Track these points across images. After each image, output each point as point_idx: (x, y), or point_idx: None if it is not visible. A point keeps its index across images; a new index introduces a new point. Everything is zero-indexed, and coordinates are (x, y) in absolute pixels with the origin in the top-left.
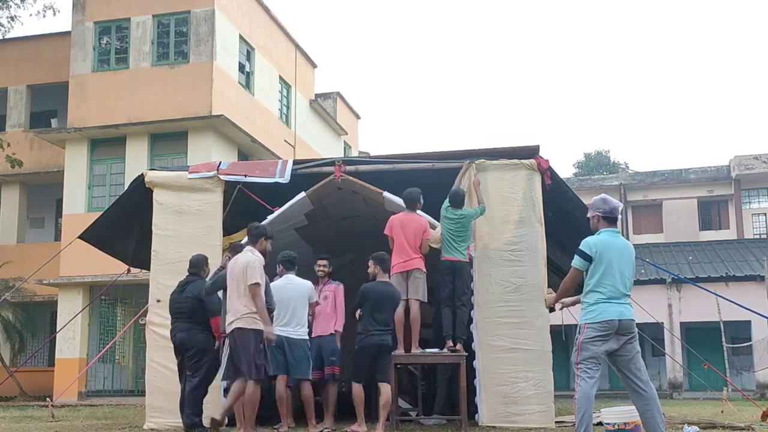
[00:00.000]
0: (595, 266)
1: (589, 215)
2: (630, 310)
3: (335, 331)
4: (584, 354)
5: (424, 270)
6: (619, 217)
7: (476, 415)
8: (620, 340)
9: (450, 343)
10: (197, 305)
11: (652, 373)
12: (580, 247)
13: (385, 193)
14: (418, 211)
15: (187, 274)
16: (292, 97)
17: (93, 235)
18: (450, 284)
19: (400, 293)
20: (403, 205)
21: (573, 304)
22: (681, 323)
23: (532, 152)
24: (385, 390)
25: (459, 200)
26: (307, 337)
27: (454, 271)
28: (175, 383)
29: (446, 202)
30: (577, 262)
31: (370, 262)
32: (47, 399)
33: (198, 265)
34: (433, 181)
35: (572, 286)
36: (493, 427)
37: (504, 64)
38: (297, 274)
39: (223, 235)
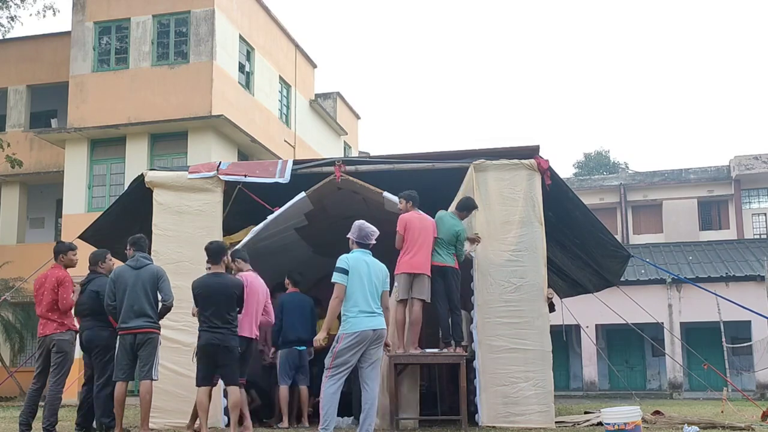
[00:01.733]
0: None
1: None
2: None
3: None
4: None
5: (429, 274)
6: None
7: (476, 416)
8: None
9: (450, 349)
10: (98, 302)
11: (652, 373)
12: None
13: (385, 193)
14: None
15: (89, 271)
16: (292, 97)
17: (93, 235)
18: (441, 283)
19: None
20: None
21: None
22: (681, 323)
23: (532, 152)
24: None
25: (467, 206)
26: None
27: (443, 274)
28: (175, 383)
29: (445, 212)
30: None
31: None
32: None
33: (95, 261)
34: (433, 181)
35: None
36: (493, 427)
37: (504, 64)
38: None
39: (223, 235)
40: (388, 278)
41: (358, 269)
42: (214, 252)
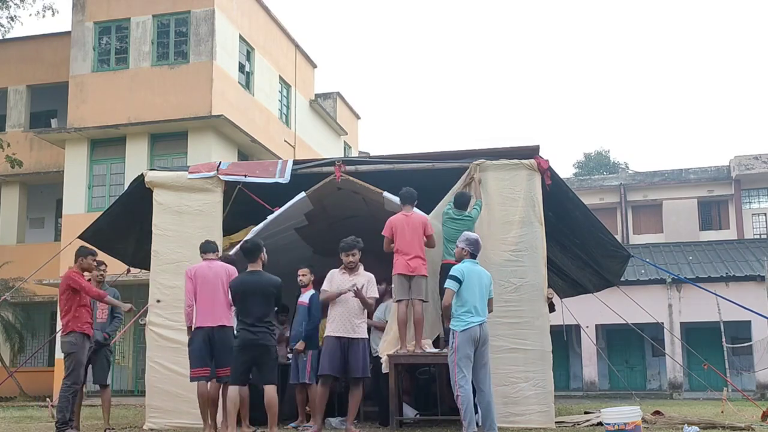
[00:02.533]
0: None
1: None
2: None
3: None
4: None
5: (427, 275)
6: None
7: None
8: None
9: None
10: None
11: (652, 373)
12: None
13: (385, 193)
14: (415, 209)
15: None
16: (292, 97)
17: (93, 235)
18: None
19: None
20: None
21: None
22: (681, 323)
23: (532, 152)
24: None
25: (464, 201)
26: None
27: None
28: (175, 383)
29: (448, 205)
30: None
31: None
32: (47, 399)
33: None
34: (433, 181)
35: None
36: None
37: (504, 64)
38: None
39: (223, 235)
40: (492, 284)
41: (471, 278)
42: (251, 251)
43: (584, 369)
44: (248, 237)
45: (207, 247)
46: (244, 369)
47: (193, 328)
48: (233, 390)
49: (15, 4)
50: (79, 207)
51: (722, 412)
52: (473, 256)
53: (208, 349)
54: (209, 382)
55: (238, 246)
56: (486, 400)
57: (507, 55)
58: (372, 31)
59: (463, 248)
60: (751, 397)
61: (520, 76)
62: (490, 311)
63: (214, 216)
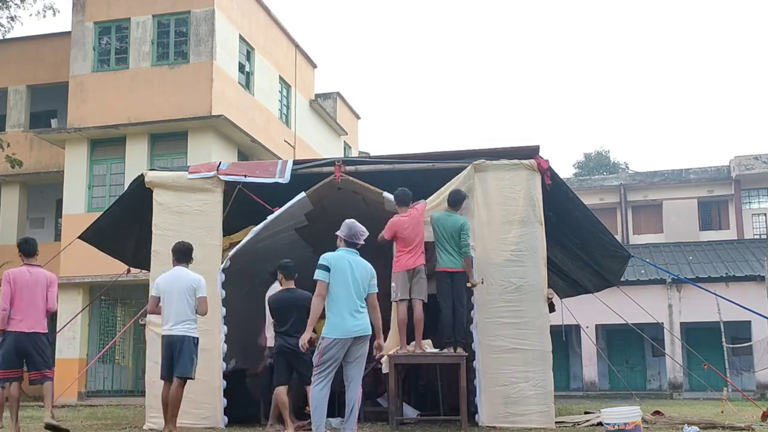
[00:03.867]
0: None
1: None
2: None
3: None
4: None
5: (425, 263)
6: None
7: (476, 416)
8: None
9: (451, 350)
10: None
11: (652, 374)
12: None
13: (385, 193)
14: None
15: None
16: (292, 97)
17: (93, 235)
18: (448, 282)
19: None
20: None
21: None
22: (681, 323)
23: (532, 152)
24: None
25: (459, 199)
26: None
27: (452, 277)
28: None
29: (440, 213)
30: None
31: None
32: None
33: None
34: (434, 181)
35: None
36: (493, 427)
37: (504, 64)
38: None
39: (223, 235)
40: (375, 279)
41: (341, 268)
42: (288, 271)
43: (584, 369)
44: (248, 238)
45: (28, 250)
46: (284, 371)
47: (5, 331)
48: (278, 390)
49: (15, 4)
50: (79, 207)
51: (722, 412)
52: (350, 244)
53: (18, 353)
54: (12, 384)
55: (238, 246)
56: (352, 398)
57: (507, 55)
58: (372, 31)
59: (337, 234)
60: (751, 397)
61: (520, 76)
62: (371, 306)
63: (214, 216)
